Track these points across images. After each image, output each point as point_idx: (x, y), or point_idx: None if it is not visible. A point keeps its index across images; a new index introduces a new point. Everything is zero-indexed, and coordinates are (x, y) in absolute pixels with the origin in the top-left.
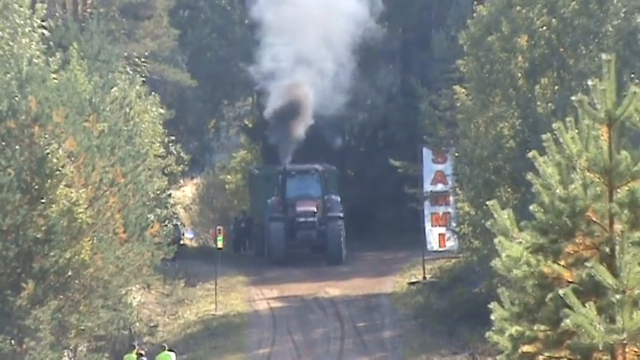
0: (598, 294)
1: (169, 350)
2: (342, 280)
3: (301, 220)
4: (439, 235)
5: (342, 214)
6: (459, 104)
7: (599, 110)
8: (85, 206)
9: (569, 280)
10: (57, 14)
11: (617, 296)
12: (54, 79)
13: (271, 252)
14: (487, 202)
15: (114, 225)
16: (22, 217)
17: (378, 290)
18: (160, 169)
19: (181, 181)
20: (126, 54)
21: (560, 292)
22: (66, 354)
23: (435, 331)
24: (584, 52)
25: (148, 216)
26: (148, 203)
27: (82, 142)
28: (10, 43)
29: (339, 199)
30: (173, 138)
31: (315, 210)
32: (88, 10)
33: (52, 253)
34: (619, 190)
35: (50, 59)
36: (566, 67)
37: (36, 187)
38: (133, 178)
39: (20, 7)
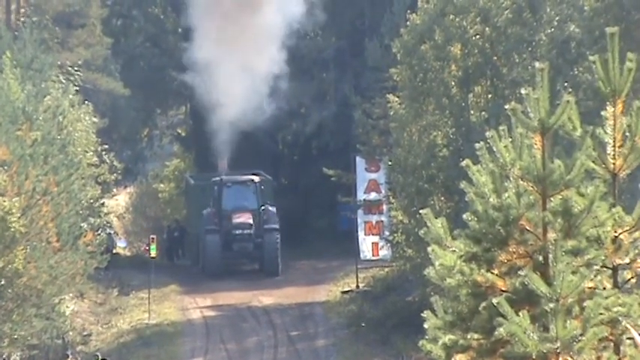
0: (532, 303)
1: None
2: (276, 288)
3: (237, 232)
4: (372, 243)
5: (278, 226)
6: (392, 113)
7: (532, 119)
8: (18, 215)
9: (503, 288)
10: None
11: (551, 305)
12: None
13: (207, 264)
14: (420, 211)
15: (47, 234)
16: None
17: (312, 299)
18: (94, 178)
19: (114, 189)
20: (59, 63)
21: (494, 300)
22: None
23: (368, 339)
24: (517, 60)
25: (82, 225)
26: (81, 212)
27: (15, 151)
28: None
29: (274, 210)
30: (106, 147)
31: (252, 222)
32: (21, 18)
33: None
34: (552, 199)
35: None
36: (500, 75)
37: None
38: (67, 187)
39: None
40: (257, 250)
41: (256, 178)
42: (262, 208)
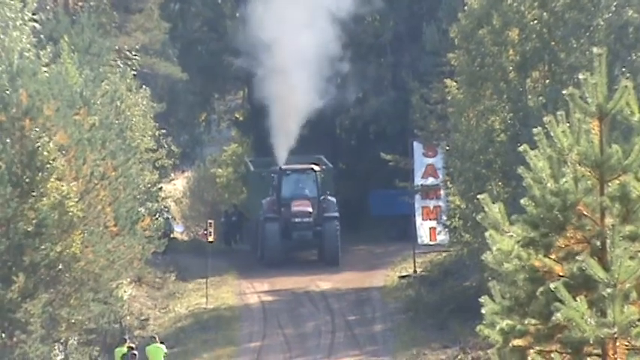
0: (589, 288)
1: (161, 343)
2: (334, 273)
3: (297, 220)
4: (430, 228)
5: (337, 215)
6: (449, 98)
7: (590, 104)
8: (76, 199)
9: (560, 273)
10: (48, 7)
11: (608, 290)
12: (45, 72)
13: (266, 253)
14: (478, 196)
15: (105, 218)
16: (13, 211)
17: (369, 284)
18: (151, 163)
19: (172, 174)
20: (117, 47)
21: (551, 285)
22: (56, 347)
23: (425, 324)
24: (575, 45)
25: (139, 209)
26: (138, 197)
27: (73, 136)
28: (1, 37)
29: (334, 200)
30: (164, 131)
31: (311, 210)
32: (79, 3)
33: (42, 247)
34: (610, 184)
35: (41, 52)
36: (558, 60)
37: (27, 180)
38: (124, 172)
39: (11, 0)
40: (316, 239)
41: (316, 167)
42: (322, 197)
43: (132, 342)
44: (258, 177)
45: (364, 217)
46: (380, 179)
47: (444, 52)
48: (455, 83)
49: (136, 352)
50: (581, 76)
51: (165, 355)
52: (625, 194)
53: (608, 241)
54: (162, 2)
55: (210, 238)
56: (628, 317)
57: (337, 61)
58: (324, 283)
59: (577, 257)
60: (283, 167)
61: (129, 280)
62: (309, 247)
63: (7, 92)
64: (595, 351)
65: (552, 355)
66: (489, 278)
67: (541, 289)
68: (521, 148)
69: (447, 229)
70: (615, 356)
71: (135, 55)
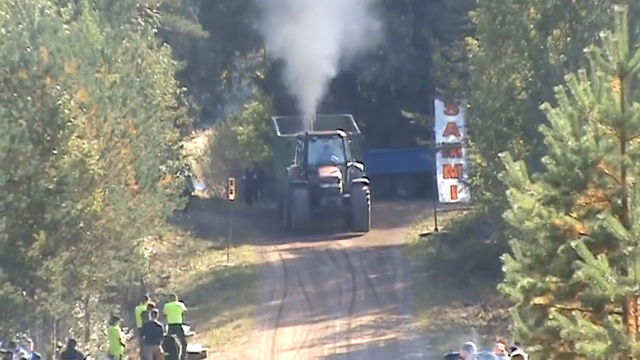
0: (610, 246)
1: (180, 301)
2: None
3: (325, 186)
4: (451, 186)
5: (367, 180)
6: (471, 56)
7: (611, 62)
8: (97, 157)
9: (581, 232)
10: None
11: (629, 248)
12: (66, 29)
13: (294, 220)
14: (499, 154)
15: (125, 176)
16: (34, 168)
17: (390, 242)
18: (172, 121)
19: (193, 132)
20: (138, 5)
21: (572, 244)
22: (77, 305)
23: (446, 282)
24: (596, 3)
25: (160, 167)
26: (159, 155)
27: (94, 94)
28: None
29: (362, 167)
30: (185, 89)
31: (339, 176)
32: None
33: (63, 205)
34: (631, 142)
35: (62, 10)
36: (579, 18)
37: (48, 138)
38: (145, 130)
39: None
40: (345, 206)
41: (343, 133)
42: (349, 164)
43: (152, 300)
44: (284, 143)
45: (385, 174)
46: (401, 137)
47: (465, 10)
48: (476, 41)
49: (156, 309)
50: (602, 34)
51: (183, 313)
52: None
53: (629, 199)
54: None
55: (231, 196)
56: None
57: (358, 18)
58: (345, 241)
59: (598, 215)
60: (309, 133)
61: (150, 237)
62: (337, 214)
63: (28, 50)
64: (616, 309)
65: (573, 312)
66: (510, 236)
67: (562, 247)
68: (542, 106)
69: (467, 187)
70: (636, 314)
71: (156, 13)
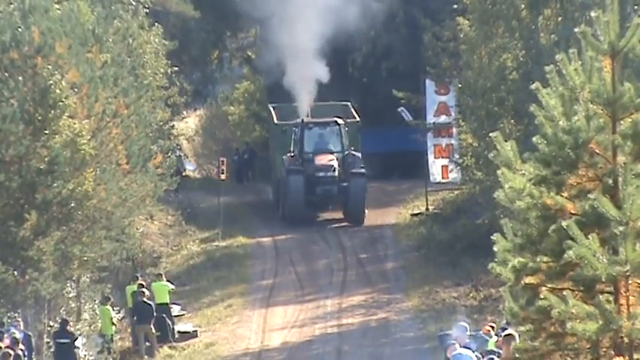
0: (601, 226)
1: (167, 281)
2: None
3: (321, 174)
4: (442, 166)
5: (365, 171)
6: (462, 35)
7: (602, 42)
8: (88, 137)
9: (572, 211)
10: None
11: (621, 228)
12: (57, 9)
13: (289, 208)
14: (490, 134)
15: (117, 156)
16: (25, 148)
17: (381, 222)
18: (163, 101)
19: (184, 112)
20: None
21: (563, 223)
22: (69, 285)
23: (437, 262)
24: None
25: (151, 147)
26: (151, 134)
27: (85, 73)
28: None
29: (360, 156)
30: (176, 69)
31: (335, 164)
32: None
33: (55, 184)
34: (622, 122)
35: None
36: None
37: (39, 118)
38: (136, 110)
39: None
40: (341, 195)
41: (340, 120)
42: (347, 152)
43: (144, 279)
44: (280, 131)
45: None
46: (392, 117)
47: None
48: (467, 21)
49: (145, 290)
50: (593, 14)
51: (170, 291)
52: (637, 132)
53: (620, 179)
54: None
55: (223, 176)
56: None
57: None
58: (336, 220)
59: (589, 195)
60: (306, 120)
61: (141, 217)
62: (333, 203)
63: (20, 30)
64: (607, 289)
65: (564, 292)
66: (501, 216)
67: (553, 226)
68: (533, 86)
69: (459, 167)
70: (627, 294)
71: None
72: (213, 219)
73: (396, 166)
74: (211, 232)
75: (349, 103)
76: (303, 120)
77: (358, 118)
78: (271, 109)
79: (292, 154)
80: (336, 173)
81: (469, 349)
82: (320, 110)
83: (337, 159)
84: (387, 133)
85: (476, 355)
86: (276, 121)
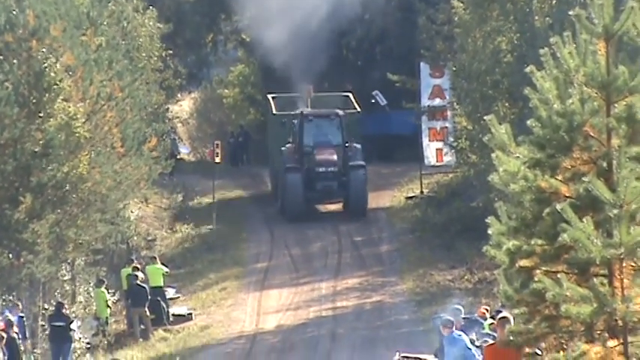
0: (595, 209)
1: (162, 264)
2: None
3: (321, 170)
4: (436, 149)
5: (364, 163)
6: (456, 18)
7: (596, 25)
8: (83, 120)
9: (567, 194)
10: None
11: (615, 211)
12: None
13: (288, 205)
14: (485, 117)
15: (111, 139)
16: (20, 131)
17: (376, 205)
18: (158, 84)
19: (179, 95)
20: None
21: (558, 206)
22: (64, 268)
23: (432, 245)
24: None
25: (146, 130)
26: (145, 117)
27: (80, 56)
28: None
29: (360, 147)
30: (171, 52)
31: (336, 158)
32: None
33: (49, 167)
34: (616, 105)
35: None
36: None
37: (34, 101)
38: (131, 93)
39: None
40: (342, 190)
41: (340, 112)
42: (347, 144)
43: (139, 262)
44: (278, 121)
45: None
46: (386, 100)
47: None
48: (461, 4)
49: (137, 273)
50: None
51: (164, 274)
52: (631, 115)
53: (614, 162)
54: None
55: (217, 159)
56: (634, 238)
57: None
58: (331, 204)
59: (583, 178)
60: (305, 112)
61: (136, 200)
62: (333, 198)
63: (14, 13)
64: (601, 271)
65: (558, 275)
66: (496, 199)
67: (547, 209)
68: (527, 69)
69: (453, 150)
70: (621, 276)
71: None
72: (208, 202)
73: (390, 149)
74: (206, 214)
75: (349, 94)
76: (302, 112)
77: (359, 109)
78: (270, 99)
79: (291, 147)
80: (337, 168)
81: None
82: (320, 101)
83: (337, 152)
84: (382, 116)
85: (470, 339)
86: (274, 111)
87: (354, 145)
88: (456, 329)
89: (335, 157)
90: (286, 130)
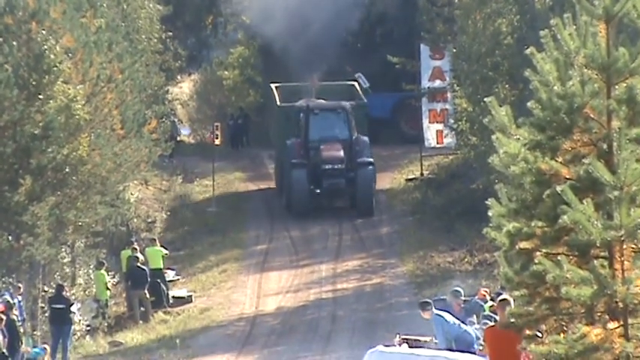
0: (596, 190)
1: (162, 246)
2: None
3: (327, 167)
4: (437, 131)
5: (372, 159)
6: (456, 0)
7: (597, 6)
8: (83, 102)
9: (567, 176)
10: None
11: (615, 193)
12: None
13: (293, 203)
14: (485, 99)
15: (111, 121)
16: (20, 114)
17: (376, 187)
18: (158, 66)
19: (179, 77)
20: None
21: (558, 188)
22: (63, 250)
23: (432, 227)
24: None
25: (146, 112)
26: (145, 99)
27: (80, 39)
28: None
29: (367, 140)
30: (171, 34)
31: (343, 155)
32: None
33: (49, 150)
34: (617, 87)
35: None
36: None
37: (33, 83)
38: (131, 75)
39: None
40: (349, 187)
41: (347, 105)
42: (354, 138)
43: (138, 244)
44: (283, 113)
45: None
46: (386, 82)
47: None
48: None
49: (138, 255)
50: None
51: (164, 257)
52: (632, 97)
53: (614, 143)
54: None
55: (217, 141)
56: (634, 220)
57: None
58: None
59: (583, 160)
60: (311, 105)
61: (136, 182)
62: (340, 195)
63: None
64: (601, 253)
65: (559, 257)
66: (496, 181)
67: (548, 191)
68: (528, 51)
69: (453, 132)
70: (622, 259)
71: None
72: (208, 184)
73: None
74: (206, 196)
75: (355, 84)
76: (308, 105)
77: (365, 100)
78: (274, 89)
79: (297, 142)
80: (343, 165)
81: (447, 311)
82: (325, 90)
83: (344, 147)
84: (383, 98)
85: (470, 321)
86: (279, 103)
87: (362, 138)
88: (456, 310)
89: (341, 153)
90: (292, 122)
